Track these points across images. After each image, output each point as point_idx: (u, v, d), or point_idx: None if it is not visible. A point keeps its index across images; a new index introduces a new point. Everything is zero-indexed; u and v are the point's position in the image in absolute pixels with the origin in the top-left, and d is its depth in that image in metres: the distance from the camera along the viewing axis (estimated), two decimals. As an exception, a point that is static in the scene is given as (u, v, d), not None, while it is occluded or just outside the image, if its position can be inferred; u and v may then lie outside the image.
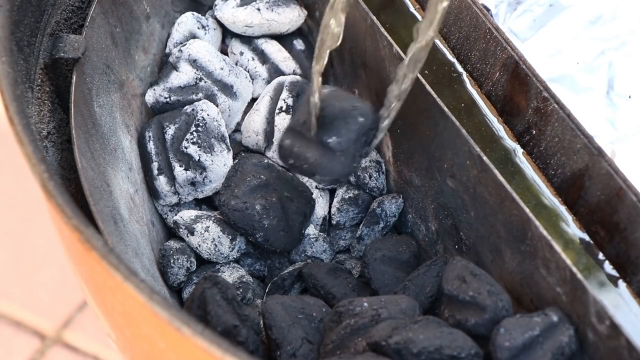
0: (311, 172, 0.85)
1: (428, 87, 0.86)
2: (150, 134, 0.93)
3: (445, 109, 0.85)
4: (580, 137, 0.81)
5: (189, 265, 0.90)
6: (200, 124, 0.93)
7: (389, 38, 0.90)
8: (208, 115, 0.93)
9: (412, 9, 0.94)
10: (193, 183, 0.92)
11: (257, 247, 0.91)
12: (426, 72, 0.89)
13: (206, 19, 1.01)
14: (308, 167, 0.84)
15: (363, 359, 0.74)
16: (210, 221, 0.90)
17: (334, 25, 0.81)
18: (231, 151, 0.94)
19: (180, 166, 0.92)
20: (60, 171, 0.86)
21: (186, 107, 0.94)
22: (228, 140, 0.94)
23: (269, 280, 0.91)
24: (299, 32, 1.02)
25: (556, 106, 0.83)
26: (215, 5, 1.01)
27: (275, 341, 0.80)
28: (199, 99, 0.95)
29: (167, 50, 0.99)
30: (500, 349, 0.74)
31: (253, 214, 0.88)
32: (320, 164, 0.84)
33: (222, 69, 0.96)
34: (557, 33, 0.96)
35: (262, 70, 0.99)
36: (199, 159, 0.92)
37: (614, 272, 0.77)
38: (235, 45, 1.01)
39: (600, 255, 0.78)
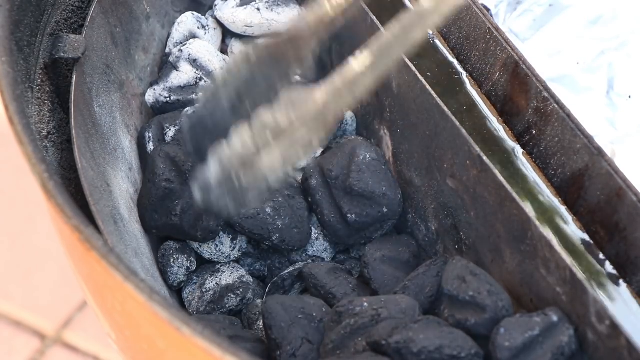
0: (321, 223, 0.91)
1: (428, 87, 0.86)
2: (150, 134, 0.93)
3: (446, 109, 0.85)
4: (580, 137, 0.81)
5: (189, 265, 0.90)
6: (200, 125, 0.93)
7: (389, 38, 0.90)
8: (208, 116, 0.93)
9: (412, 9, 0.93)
10: (192, 184, 0.92)
11: (272, 248, 0.91)
12: (428, 73, 0.89)
13: (206, 18, 1.01)
14: (321, 218, 0.90)
15: (363, 358, 0.74)
16: (210, 221, 0.90)
17: None
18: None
19: (180, 167, 0.92)
20: (60, 171, 0.86)
21: (187, 109, 0.94)
22: (228, 142, 0.94)
23: (269, 280, 0.91)
24: (299, 32, 1.02)
25: (556, 106, 0.83)
26: (215, 5, 1.01)
27: (275, 341, 0.80)
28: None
29: (167, 50, 0.99)
30: (500, 349, 0.74)
31: (265, 217, 0.88)
32: (331, 226, 0.90)
33: (222, 68, 0.96)
34: (557, 33, 0.96)
35: (262, 70, 0.99)
36: (198, 160, 0.92)
37: (614, 272, 0.77)
38: (235, 45, 1.01)
39: (601, 255, 0.78)
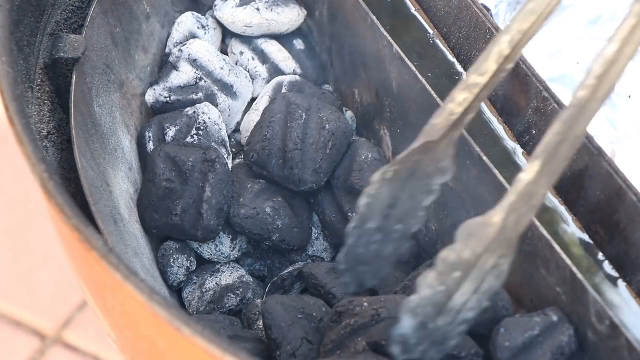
0: (322, 223, 0.91)
1: (428, 87, 0.86)
2: (151, 134, 0.93)
3: (445, 109, 0.85)
4: (580, 137, 0.81)
5: (188, 265, 0.90)
6: (202, 127, 0.93)
7: (389, 38, 0.90)
8: (209, 118, 0.93)
9: (412, 10, 0.94)
10: (193, 184, 0.92)
11: (272, 248, 0.91)
12: (428, 73, 0.89)
13: (206, 19, 1.01)
14: (322, 217, 0.91)
15: (363, 359, 0.74)
16: (210, 221, 0.90)
17: None
18: (231, 155, 0.94)
19: (180, 167, 0.92)
20: (60, 171, 0.86)
21: (187, 109, 0.94)
22: (228, 144, 0.94)
23: (269, 280, 0.91)
24: (299, 32, 1.02)
25: (556, 106, 0.83)
26: (215, 5, 1.01)
27: (275, 341, 0.80)
28: (199, 99, 0.95)
29: (167, 50, 1.00)
30: (500, 349, 0.74)
31: (265, 217, 0.88)
32: (332, 226, 0.90)
33: (222, 68, 0.96)
34: (557, 33, 0.96)
35: (262, 70, 0.99)
36: (198, 161, 0.92)
37: (614, 272, 0.77)
38: (235, 45, 1.01)
39: (600, 255, 0.78)
